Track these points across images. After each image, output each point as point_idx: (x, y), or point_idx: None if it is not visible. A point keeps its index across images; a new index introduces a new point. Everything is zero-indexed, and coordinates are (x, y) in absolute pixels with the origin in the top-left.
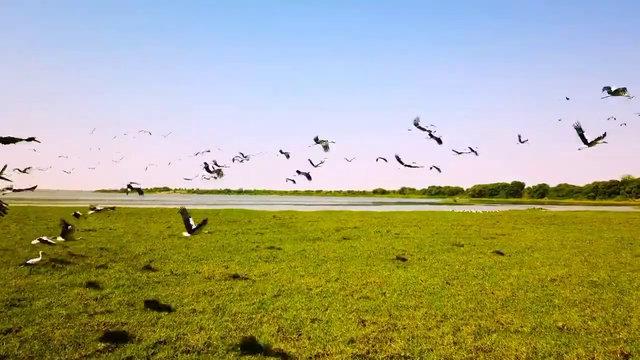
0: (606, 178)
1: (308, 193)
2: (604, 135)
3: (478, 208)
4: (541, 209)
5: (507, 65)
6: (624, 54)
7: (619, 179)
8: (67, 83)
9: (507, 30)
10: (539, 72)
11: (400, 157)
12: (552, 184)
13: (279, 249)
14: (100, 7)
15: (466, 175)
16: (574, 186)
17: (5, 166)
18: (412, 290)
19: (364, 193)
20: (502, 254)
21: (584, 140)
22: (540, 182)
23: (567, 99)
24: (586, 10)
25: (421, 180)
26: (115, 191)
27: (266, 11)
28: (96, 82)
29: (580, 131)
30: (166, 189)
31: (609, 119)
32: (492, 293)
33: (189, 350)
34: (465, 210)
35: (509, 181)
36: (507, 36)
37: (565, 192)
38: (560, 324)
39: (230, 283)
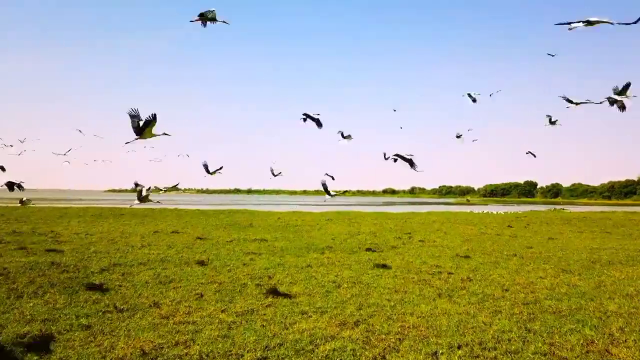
0: (622, 177)
1: (317, 192)
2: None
3: (495, 208)
4: (562, 209)
5: (507, 66)
6: (624, 54)
7: (635, 179)
8: (68, 83)
9: (507, 30)
10: (539, 72)
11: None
12: (566, 183)
13: (279, 264)
14: (100, 7)
15: (477, 174)
16: (588, 186)
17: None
18: (476, 343)
19: (373, 193)
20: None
21: (569, 100)
22: (554, 182)
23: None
24: (587, 10)
25: (431, 180)
26: (126, 191)
27: (267, 11)
28: (96, 82)
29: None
30: (175, 189)
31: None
32: (608, 352)
33: None
34: (484, 211)
35: (521, 180)
36: (507, 36)
37: (580, 192)
38: None
39: (193, 328)
